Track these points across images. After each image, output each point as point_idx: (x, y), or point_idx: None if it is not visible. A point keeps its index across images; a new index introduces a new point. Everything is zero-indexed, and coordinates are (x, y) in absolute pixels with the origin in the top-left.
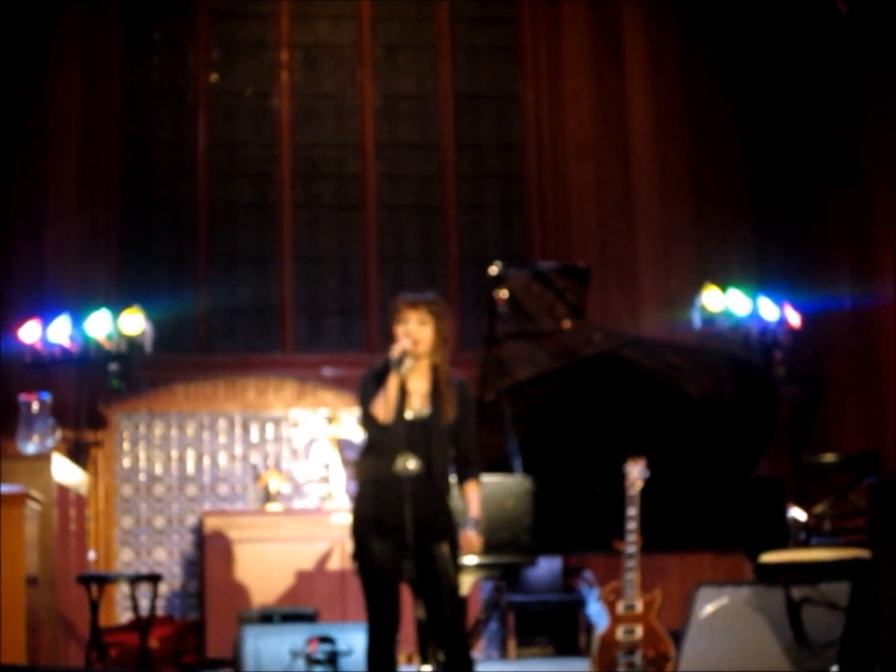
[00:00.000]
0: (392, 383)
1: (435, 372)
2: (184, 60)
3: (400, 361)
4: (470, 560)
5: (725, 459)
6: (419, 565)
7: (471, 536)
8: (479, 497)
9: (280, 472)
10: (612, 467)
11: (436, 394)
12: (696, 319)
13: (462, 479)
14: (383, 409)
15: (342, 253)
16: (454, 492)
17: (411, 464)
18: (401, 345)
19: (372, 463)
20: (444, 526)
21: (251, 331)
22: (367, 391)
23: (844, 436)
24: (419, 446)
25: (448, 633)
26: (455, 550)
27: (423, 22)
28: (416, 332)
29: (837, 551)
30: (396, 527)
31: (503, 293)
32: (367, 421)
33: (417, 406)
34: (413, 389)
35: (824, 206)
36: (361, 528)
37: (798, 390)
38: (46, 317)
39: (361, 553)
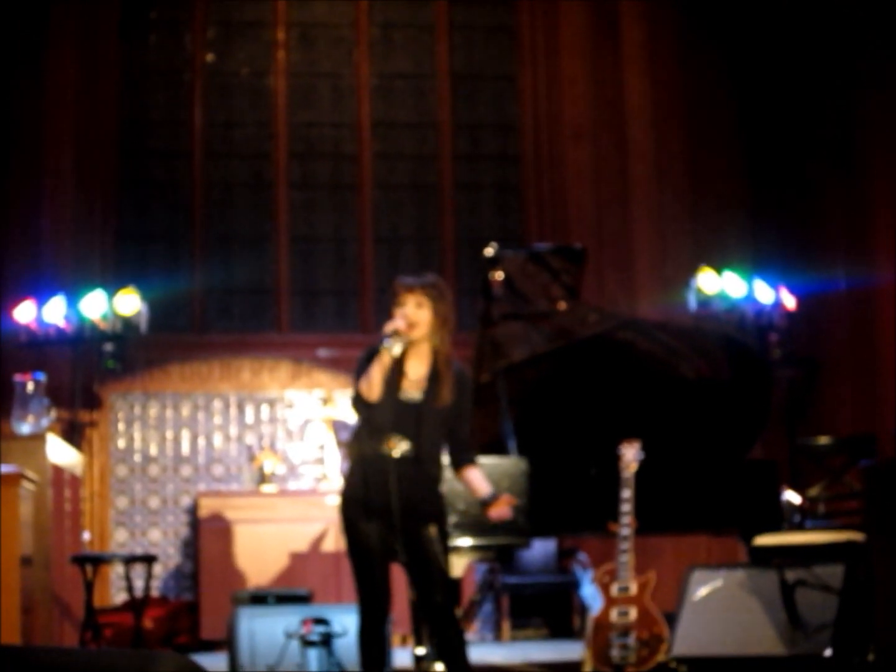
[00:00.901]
0: (384, 360)
1: (435, 355)
2: (180, 40)
3: (391, 338)
4: (464, 542)
5: (720, 442)
6: (407, 548)
7: (501, 501)
8: (482, 476)
9: (275, 452)
10: (606, 449)
11: (433, 377)
12: (692, 301)
13: (460, 465)
14: (373, 385)
15: (338, 233)
16: (446, 474)
17: (400, 445)
18: (393, 324)
19: (361, 443)
20: (433, 509)
21: (246, 311)
22: (360, 369)
23: (839, 418)
24: (409, 428)
25: (438, 616)
26: (444, 533)
27: (421, 2)
28: (413, 314)
29: (832, 534)
30: (384, 508)
31: (499, 274)
32: (358, 399)
33: (413, 388)
34: (411, 372)
35: (820, 189)
36: (349, 509)
37: (793, 373)
38: (42, 297)
39: (350, 533)
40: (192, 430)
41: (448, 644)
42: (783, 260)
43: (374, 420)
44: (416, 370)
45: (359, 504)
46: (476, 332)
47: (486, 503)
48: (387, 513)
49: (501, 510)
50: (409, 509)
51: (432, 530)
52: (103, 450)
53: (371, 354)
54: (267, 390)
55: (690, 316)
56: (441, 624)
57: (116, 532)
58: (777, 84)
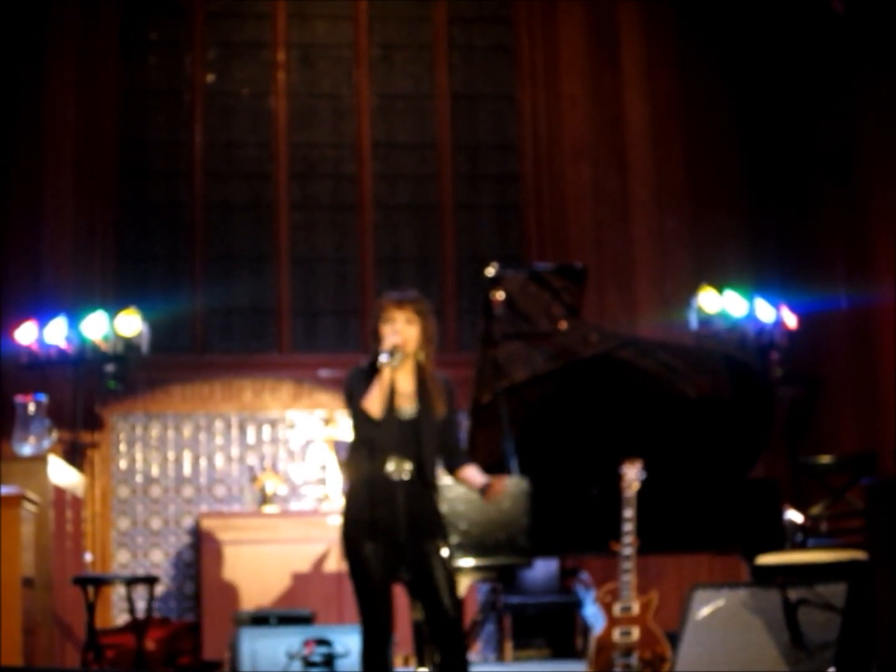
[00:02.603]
0: (385, 377)
1: (420, 370)
2: (180, 60)
3: (392, 354)
4: (466, 562)
5: (722, 461)
6: (414, 567)
7: (497, 480)
8: (477, 469)
9: (277, 473)
10: (608, 469)
11: (423, 392)
12: (693, 320)
13: (456, 468)
14: (377, 403)
15: (339, 253)
16: (450, 493)
17: (403, 465)
18: (391, 340)
19: (362, 462)
20: (437, 527)
21: (247, 332)
22: (355, 388)
23: (841, 436)
24: (410, 447)
25: (449, 632)
26: (449, 550)
27: (420, 22)
28: (403, 331)
29: (834, 553)
30: (389, 527)
31: (500, 294)
32: (359, 417)
33: (405, 405)
34: (400, 389)
35: (820, 208)
36: (352, 529)
37: (795, 391)
38: (43, 318)
39: (352, 554)
40: (193, 451)
41: (453, 661)
42: (784, 278)
43: (376, 440)
44: (404, 386)
45: (362, 525)
46: (477, 352)
47: (483, 491)
48: (392, 533)
49: (497, 490)
50: (415, 528)
51: (439, 546)
52: (105, 471)
53: (362, 373)
54: (268, 411)
55: (691, 335)
56: (451, 640)
57: (118, 553)
58: (776, 102)
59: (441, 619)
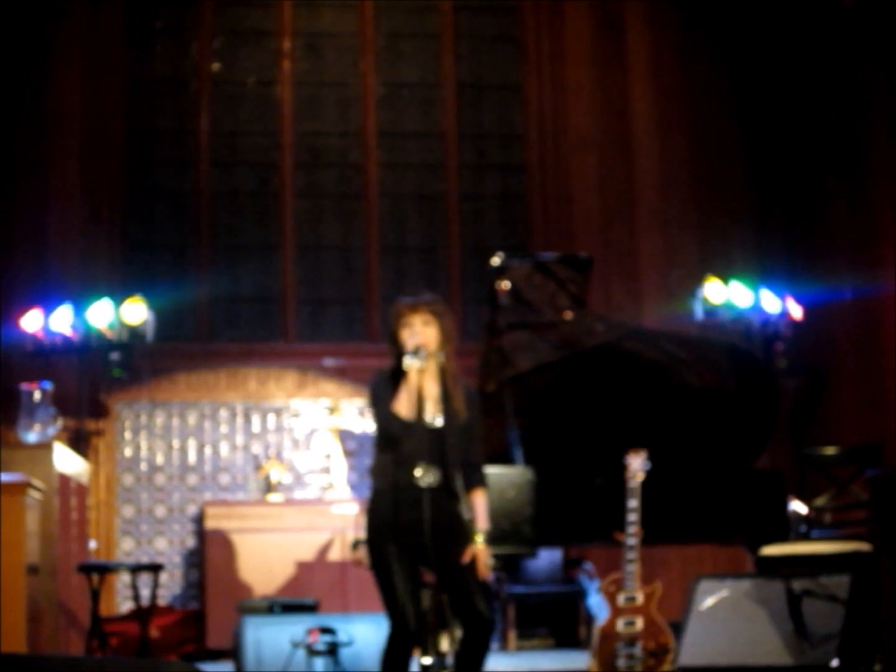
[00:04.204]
0: (412, 379)
1: (442, 372)
2: (186, 49)
3: (416, 355)
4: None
5: (726, 451)
6: (444, 573)
7: (479, 550)
8: (486, 506)
9: (281, 462)
10: (613, 459)
11: (446, 395)
12: (698, 311)
13: (469, 486)
14: (406, 406)
15: (344, 242)
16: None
17: (430, 471)
18: (413, 341)
19: (389, 467)
20: (462, 531)
21: (253, 320)
22: (381, 392)
23: (846, 428)
24: (436, 454)
25: (483, 632)
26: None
27: (426, 11)
28: (422, 332)
29: (838, 544)
30: (415, 533)
31: (505, 284)
32: (387, 422)
33: (431, 411)
34: (425, 393)
35: (826, 198)
36: (377, 533)
37: (799, 382)
38: (48, 306)
39: (377, 557)
40: (198, 440)
41: (476, 653)
42: (789, 269)
43: (405, 444)
44: (429, 390)
45: (387, 528)
46: (482, 342)
47: (472, 536)
48: (418, 538)
49: (475, 556)
50: (442, 534)
51: (466, 549)
52: (109, 458)
53: (384, 378)
54: (273, 399)
55: (696, 325)
56: (482, 633)
57: (122, 541)
58: (782, 93)
59: (476, 622)
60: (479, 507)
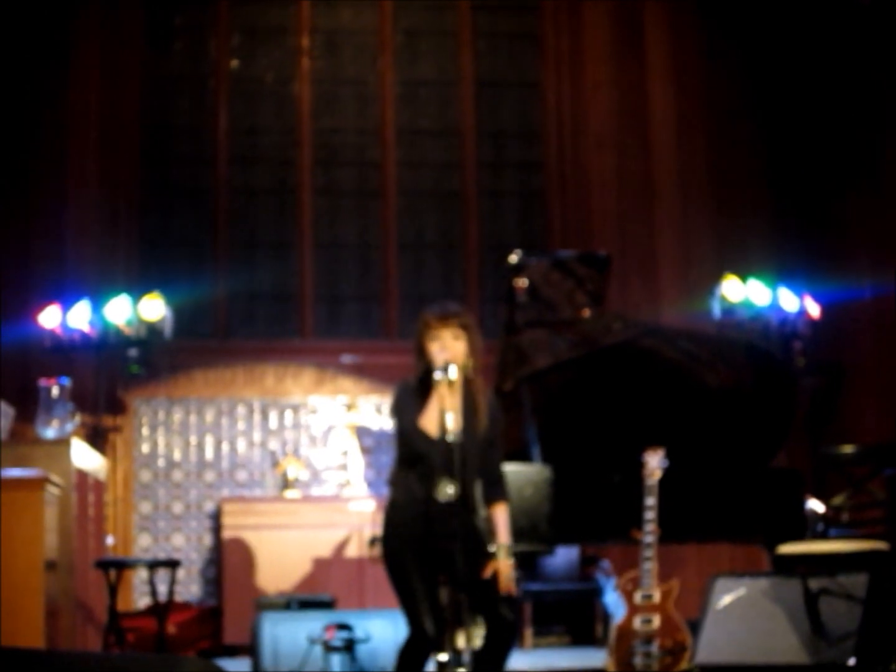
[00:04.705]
0: (442, 395)
1: (468, 385)
2: (205, 46)
3: (447, 371)
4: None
5: (744, 450)
6: (465, 582)
7: (502, 565)
8: (508, 520)
9: (298, 458)
10: (630, 457)
11: (468, 408)
12: (716, 309)
13: (490, 500)
14: (435, 422)
15: (361, 239)
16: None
17: (450, 485)
18: (443, 356)
19: (411, 480)
20: (482, 544)
21: (270, 317)
22: (405, 405)
23: (864, 427)
24: (457, 467)
25: (507, 634)
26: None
27: (445, 8)
28: (451, 346)
29: (855, 543)
30: (435, 545)
31: (523, 281)
32: (412, 436)
33: (455, 425)
34: (450, 407)
35: (844, 196)
36: (398, 545)
37: (817, 381)
38: (66, 302)
39: (395, 565)
40: (215, 436)
41: (497, 655)
42: (807, 267)
43: (429, 458)
44: (455, 403)
45: (406, 539)
46: (500, 340)
47: (494, 553)
48: (439, 552)
49: (499, 571)
50: (463, 549)
51: (487, 565)
52: (127, 455)
53: (409, 390)
54: (291, 396)
55: (714, 324)
56: (504, 636)
57: (140, 537)
58: (801, 92)
59: (499, 626)
60: (501, 520)
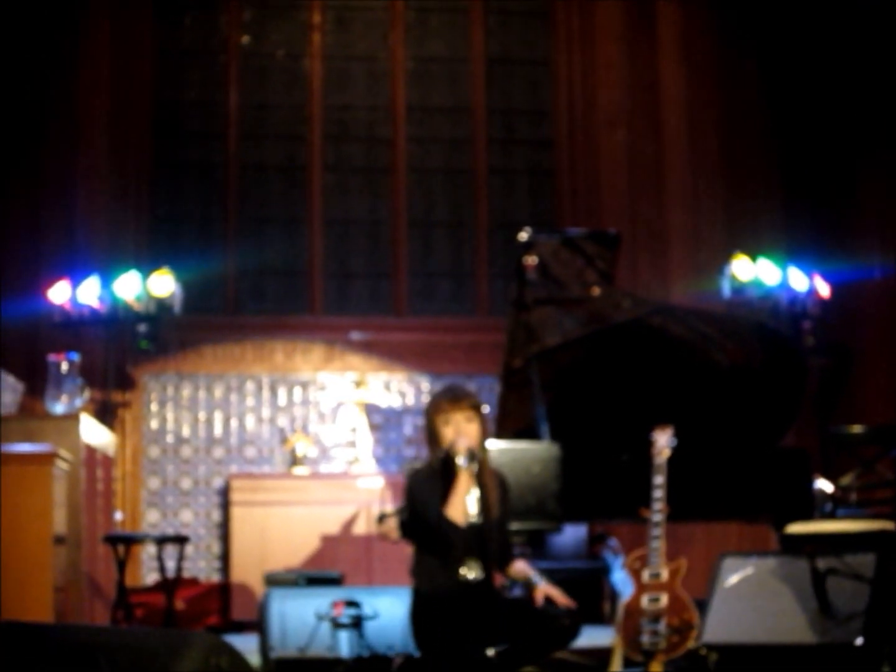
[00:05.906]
0: (464, 483)
1: (482, 468)
2: (215, 21)
3: (470, 458)
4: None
5: (753, 429)
6: (510, 646)
7: (546, 588)
8: (525, 563)
9: (307, 435)
10: (639, 435)
11: (483, 490)
12: (726, 289)
13: (506, 564)
14: (460, 511)
15: (371, 216)
16: None
17: (474, 568)
18: (464, 443)
19: (436, 569)
20: (515, 604)
21: (280, 293)
22: (425, 494)
23: (873, 407)
24: (477, 550)
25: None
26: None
27: None
28: (465, 431)
29: (863, 523)
30: (463, 629)
31: (532, 259)
32: (443, 527)
33: (470, 507)
34: (466, 489)
35: (854, 176)
36: (429, 638)
37: (827, 361)
38: (76, 277)
39: (425, 639)
40: (224, 412)
41: (546, 644)
42: (817, 247)
43: (453, 544)
44: (471, 486)
45: (438, 631)
46: (509, 317)
47: (533, 586)
48: (466, 634)
49: (556, 601)
50: (489, 629)
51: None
52: (136, 430)
53: (424, 477)
54: (300, 372)
55: (724, 303)
56: (560, 639)
57: (148, 513)
58: (812, 70)
59: (556, 630)
60: (522, 567)
